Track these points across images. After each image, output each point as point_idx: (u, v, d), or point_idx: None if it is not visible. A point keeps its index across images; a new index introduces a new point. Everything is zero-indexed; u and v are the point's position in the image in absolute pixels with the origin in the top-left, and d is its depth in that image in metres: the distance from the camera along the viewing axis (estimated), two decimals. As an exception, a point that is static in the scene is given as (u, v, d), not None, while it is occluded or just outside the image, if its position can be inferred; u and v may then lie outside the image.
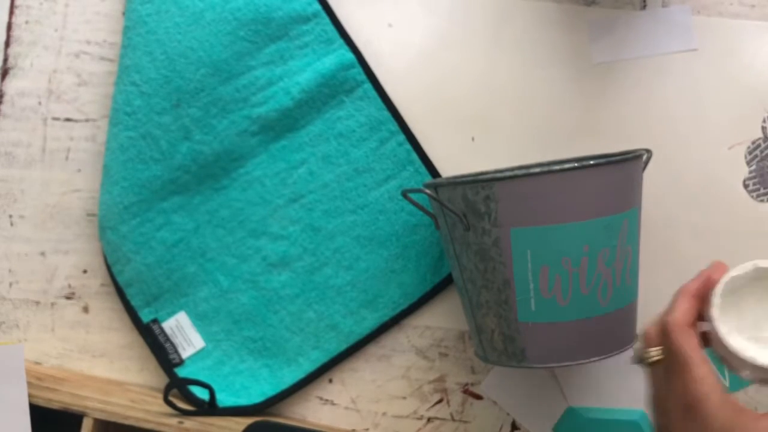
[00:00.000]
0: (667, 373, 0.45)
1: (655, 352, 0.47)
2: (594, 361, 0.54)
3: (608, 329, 0.54)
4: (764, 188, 0.66)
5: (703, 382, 0.43)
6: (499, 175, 0.52)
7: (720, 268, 0.47)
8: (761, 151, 0.67)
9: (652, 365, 0.47)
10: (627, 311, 0.55)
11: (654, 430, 0.48)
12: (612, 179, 0.52)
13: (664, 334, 0.46)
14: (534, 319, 0.53)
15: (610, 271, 0.52)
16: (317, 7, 0.66)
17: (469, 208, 0.53)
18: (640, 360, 0.48)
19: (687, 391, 0.43)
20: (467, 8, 0.68)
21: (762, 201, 0.66)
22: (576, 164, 0.51)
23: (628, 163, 0.53)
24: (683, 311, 0.46)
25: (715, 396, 0.42)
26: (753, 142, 0.67)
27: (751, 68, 0.67)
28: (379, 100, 0.66)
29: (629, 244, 0.54)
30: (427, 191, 0.55)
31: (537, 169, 0.51)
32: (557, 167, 0.51)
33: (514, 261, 0.52)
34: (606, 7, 0.67)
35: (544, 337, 0.53)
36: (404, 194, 0.57)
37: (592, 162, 0.51)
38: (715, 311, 0.46)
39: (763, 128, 0.67)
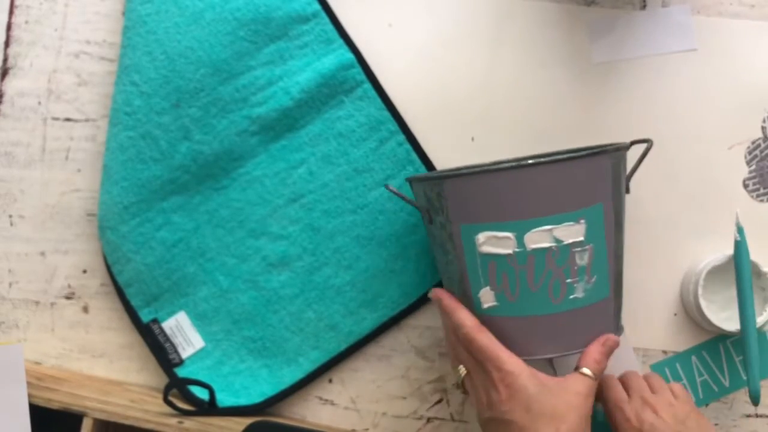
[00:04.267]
0: (483, 369, 0.53)
1: (462, 369, 0.55)
2: (551, 357, 0.54)
3: (565, 327, 0.54)
4: (764, 188, 0.66)
5: (512, 362, 0.52)
6: (446, 173, 0.53)
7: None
8: (761, 151, 0.67)
9: (464, 379, 0.56)
10: (592, 310, 0.54)
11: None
12: (561, 178, 0.51)
13: (466, 342, 0.54)
14: (488, 312, 0.54)
15: (563, 270, 0.52)
16: (317, 6, 0.66)
17: (430, 204, 0.56)
18: (458, 386, 0.57)
19: (502, 375, 0.51)
20: (467, 8, 0.68)
21: (762, 201, 0.66)
22: (513, 164, 0.51)
23: (582, 161, 0.52)
24: (470, 318, 0.54)
25: (525, 371, 0.52)
26: (753, 142, 0.67)
27: (751, 68, 0.67)
28: (378, 100, 0.66)
29: (590, 243, 0.53)
30: (391, 187, 0.58)
31: (478, 169, 0.52)
32: (494, 167, 0.52)
33: (465, 256, 0.54)
34: (606, 7, 0.67)
35: (500, 330, 0.54)
36: (386, 186, 0.59)
37: (530, 161, 0.51)
38: (699, 290, 0.62)
39: (763, 128, 0.67)
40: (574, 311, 0.53)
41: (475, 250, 0.53)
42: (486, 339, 0.53)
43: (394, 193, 0.58)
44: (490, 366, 0.52)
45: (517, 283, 0.52)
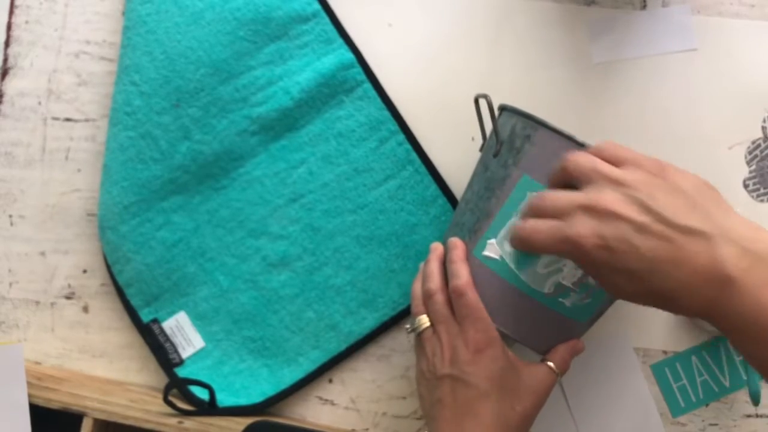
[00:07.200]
0: (460, 325, 0.53)
1: (426, 319, 0.55)
2: (504, 332, 0.54)
3: (536, 318, 0.53)
4: (764, 188, 0.66)
5: (493, 330, 0.52)
6: (548, 123, 0.52)
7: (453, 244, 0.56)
8: (761, 151, 0.67)
9: (423, 331, 0.55)
10: (564, 322, 0.54)
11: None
12: None
13: (456, 293, 0.53)
14: (483, 260, 0.54)
15: (573, 273, 0.52)
16: (317, 6, 0.66)
17: (509, 139, 0.55)
18: (414, 329, 0.56)
19: (479, 336, 0.52)
20: (467, 8, 0.68)
21: (762, 201, 0.66)
22: None
23: None
24: (468, 275, 0.53)
25: (500, 342, 0.53)
26: (753, 142, 0.67)
27: (751, 68, 0.67)
28: (378, 100, 0.66)
29: None
30: (482, 97, 0.56)
31: (580, 140, 0.51)
32: None
33: (506, 202, 0.53)
34: (606, 7, 0.67)
35: (481, 282, 0.54)
36: (475, 100, 0.58)
37: None
38: None
39: (763, 128, 0.67)
40: (551, 312, 0.53)
41: (518, 204, 0.53)
42: (476, 297, 0.53)
43: (487, 104, 0.56)
44: (470, 325, 0.52)
45: (529, 256, 0.52)
